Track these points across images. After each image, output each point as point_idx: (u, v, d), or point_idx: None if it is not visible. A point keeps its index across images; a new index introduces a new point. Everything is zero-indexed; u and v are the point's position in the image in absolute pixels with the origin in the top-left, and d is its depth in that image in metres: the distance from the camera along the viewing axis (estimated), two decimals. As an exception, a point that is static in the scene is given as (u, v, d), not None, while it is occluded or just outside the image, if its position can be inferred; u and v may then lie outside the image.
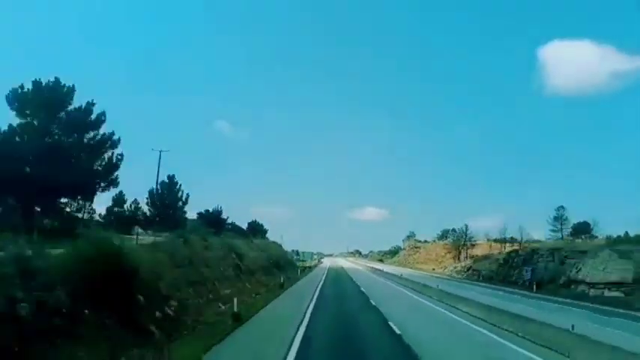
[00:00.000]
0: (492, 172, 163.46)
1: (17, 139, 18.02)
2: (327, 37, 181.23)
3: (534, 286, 35.52)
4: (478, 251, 72.00)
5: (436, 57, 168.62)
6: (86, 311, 10.90)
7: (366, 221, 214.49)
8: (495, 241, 70.84)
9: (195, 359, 10.11)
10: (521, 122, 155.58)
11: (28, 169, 17.33)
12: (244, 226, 64.47)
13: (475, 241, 77.75)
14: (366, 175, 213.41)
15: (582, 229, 64.02)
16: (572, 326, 12.75)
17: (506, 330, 14.17)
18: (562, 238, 61.50)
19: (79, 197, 20.45)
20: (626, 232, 51.21)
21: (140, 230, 35.27)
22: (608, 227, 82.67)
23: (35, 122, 18.48)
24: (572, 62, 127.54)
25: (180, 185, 35.45)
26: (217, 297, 22.48)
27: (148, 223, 35.12)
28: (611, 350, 9.99)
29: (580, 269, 31.99)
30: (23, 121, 18.54)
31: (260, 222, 73.10)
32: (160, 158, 36.11)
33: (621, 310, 22.85)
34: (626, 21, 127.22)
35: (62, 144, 18.59)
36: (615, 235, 49.75)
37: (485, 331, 14.28)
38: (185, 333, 13.67)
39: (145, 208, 36.48)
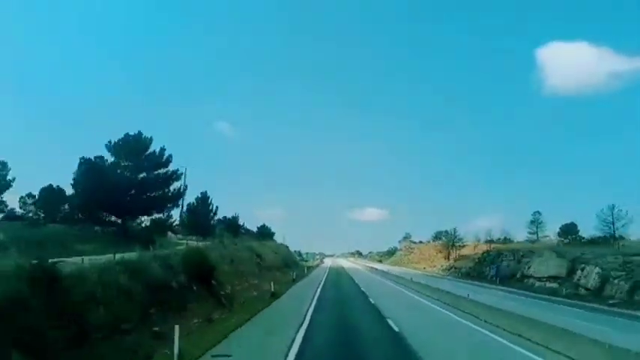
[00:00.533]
0: (493, 172, 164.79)
1: (118, 172, 26.38)
2: (327, 37, 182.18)
3: (497, 280, 43.81)
4: (466, 251, 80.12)
5: (436, 58, 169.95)
6: (194, 287, 19.27)
7: (366, 222, 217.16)
8: (481, 242, 79.04)
9: (257, 312, 18.38)
10: (519, 123, 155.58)
11: (128, 197, 25.62)
12: (253, 229, 73.04)
13: (465, 242, 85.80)
14: (367, 176, 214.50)
15: (569, 230, 71.26)
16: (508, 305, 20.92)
17: (462, 311, 19.51)
18: (538, 239, 69.60)
19: (156, 213, 28.87)
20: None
21: (173, 235, 43.78)
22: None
23: (128, 163, 26.78)
24: (570, 63, 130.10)
25: (212, 199, 43.71)
26: (250, 286, 30.79)
27: (183, 228, 43.50)
28: (508, 314, 16.72)
29: (530, 266, 40.28)
30: (121, 162, 26.83)
31: (268, 226, 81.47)
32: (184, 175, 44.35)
33: (545, 296, 31.10)
34: (622, 23, 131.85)
35: (149, 178, 26.87)
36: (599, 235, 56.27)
37: (444, 311, 20.33)
38: (243, 302, 21.90)
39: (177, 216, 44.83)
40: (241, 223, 58.05)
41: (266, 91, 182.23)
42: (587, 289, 31.15)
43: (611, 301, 27.30)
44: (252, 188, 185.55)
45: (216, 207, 43.92)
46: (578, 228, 68.03)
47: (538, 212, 73.44)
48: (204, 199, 41.96)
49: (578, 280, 32.85)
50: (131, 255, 16.55)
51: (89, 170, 24.56)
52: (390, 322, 15.66)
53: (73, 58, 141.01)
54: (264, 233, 74.84)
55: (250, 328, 14.61)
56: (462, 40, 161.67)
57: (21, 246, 15.68)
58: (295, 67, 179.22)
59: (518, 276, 42.40)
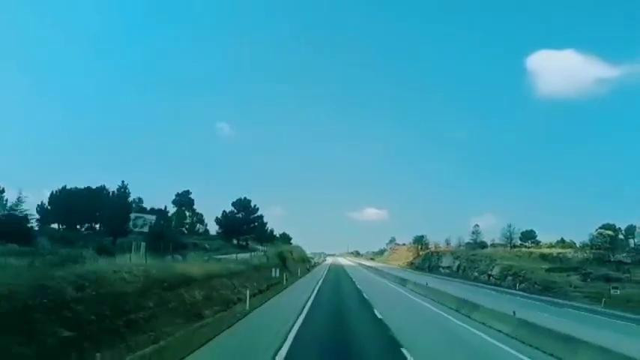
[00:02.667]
0: (488, 174, 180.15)
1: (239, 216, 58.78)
2: (327, 41, 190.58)
3: (428, 269, 75.64)
4: (425, 251, 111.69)
5: (434, 65, 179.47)
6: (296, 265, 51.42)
7: (365, 222, 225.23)
8: (443, 245, 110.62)
9: (307, 273, 50.26)
10: (512, 127, 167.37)
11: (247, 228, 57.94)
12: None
13: (430, 245, 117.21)
14: (366, 177, 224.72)
15: (529, 235, 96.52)
16: (427, 282, 52.88)
17: (400, 284, 53.55)
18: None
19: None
20: (562, 239, 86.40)
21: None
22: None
23: (241, 215, 58.81)
24: (558, 70, 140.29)
25: (255, 205, 74.52)
26: (290, 271, 62.74)
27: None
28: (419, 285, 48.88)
29: (442, 261, 72.23)
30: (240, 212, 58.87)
31: (287, 233, 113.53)
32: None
33: (442, 276, 62.95)
34: (606, 32, 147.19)
35: (239, 219, 59.05)
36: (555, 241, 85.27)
37: (386, 282, 53.65)
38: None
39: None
40: (271, 230, 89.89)
41: (265, 94, 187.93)
42: (456, 271, 63.08)
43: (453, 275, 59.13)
44: (252, 188, 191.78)
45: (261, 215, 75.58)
46: (536, 233, 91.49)
47: (477, 225, 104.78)
48: (245, 204, 73.20)
49: (453, 267, 64.79)
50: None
51: (226, 218, 56.31)
52: (358, 285, 46.54)
53: (72, 59, 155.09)
54: (286, 238, 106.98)
55: (305, 278, 46.40)
56: (458, 48, 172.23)
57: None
58: (294, 70, 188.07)
59: (437, 266, 74.34)
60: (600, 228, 67.99)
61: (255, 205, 66.01)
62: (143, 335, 13.14)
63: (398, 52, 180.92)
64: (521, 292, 39.22)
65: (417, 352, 11.58)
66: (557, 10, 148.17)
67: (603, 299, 31.60)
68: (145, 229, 38.88)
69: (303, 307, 21.58)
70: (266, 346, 11.64)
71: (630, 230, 77.27)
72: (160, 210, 56.20)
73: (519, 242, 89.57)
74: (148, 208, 56.06)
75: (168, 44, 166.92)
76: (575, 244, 71.38)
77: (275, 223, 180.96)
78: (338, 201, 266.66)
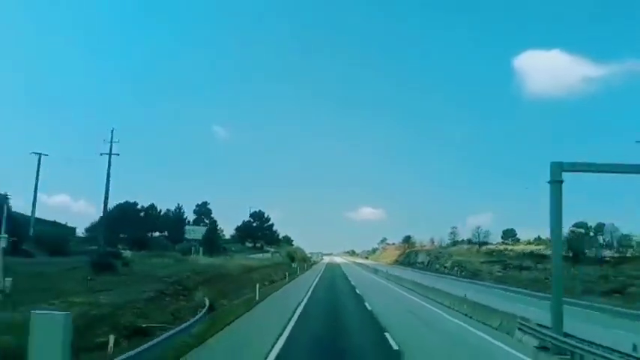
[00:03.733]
0: (482, 174, 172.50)
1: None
2: (322, 41, 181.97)
3: (408, 265, 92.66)
4: (411, 249, 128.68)
5: (426, 64, 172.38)
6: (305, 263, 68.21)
7: (362, 221, 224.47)
8: (427, 244, 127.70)
9: (310, 268, 67.04)
10: (503, 127, 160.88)
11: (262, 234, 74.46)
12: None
13: (419, 244, 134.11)
14: (362, 176, 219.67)
15: (510, 233, 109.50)
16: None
17: (383, 277, 70.37)
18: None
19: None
20: (539, 236, 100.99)
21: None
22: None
23: (256, 224, 75.11)
24: (545, 70, 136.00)
25: (268, 215, 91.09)
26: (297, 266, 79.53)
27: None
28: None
29: (418, 258, 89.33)
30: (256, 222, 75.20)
31: (289, 236, 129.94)
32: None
33: (417, 270, 79.98)
34: (590, 32, 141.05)
35: (255, 227, 75.37)
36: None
37: (374, 276, 70.40)
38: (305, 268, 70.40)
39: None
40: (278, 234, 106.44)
41: (262, 95, 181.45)
42: (426, 265, 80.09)
43: (424, 268, 76.05)
44: (249, 190, 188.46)
45: (273, 225, 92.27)
46: (516, 232, 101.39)
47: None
48: (260, 216, 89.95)
49: (425, 263, 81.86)
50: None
51: (245, 226, 72.56)
52: (347, 275, 63.36)
53: (69, 60, 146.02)
54: (288, 241, 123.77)
55: (309, 271, 63.18)
56: (452, 48, 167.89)
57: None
58: (292, 70, 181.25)
59: (414, 262, 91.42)
60: (573, 226, 77.79)
61: (267, 215, 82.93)
62: (245, 291, 29.77)
63: (394, 52, 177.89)
64: (455, 277, 56.36)
65: (374, 305, 26.88)
66: (538, 11, 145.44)
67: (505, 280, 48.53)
68: (198, 237, 56.83)
69: (312, 283, 38.31)
70: (299, 298, 27.72)
71: (599, 228, 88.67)
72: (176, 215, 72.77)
73: (501, 240, 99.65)
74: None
75: (168, 45, 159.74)
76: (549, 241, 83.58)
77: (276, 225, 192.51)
78: (335, 201, 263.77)
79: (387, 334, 14.40)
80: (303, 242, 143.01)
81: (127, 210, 72.08)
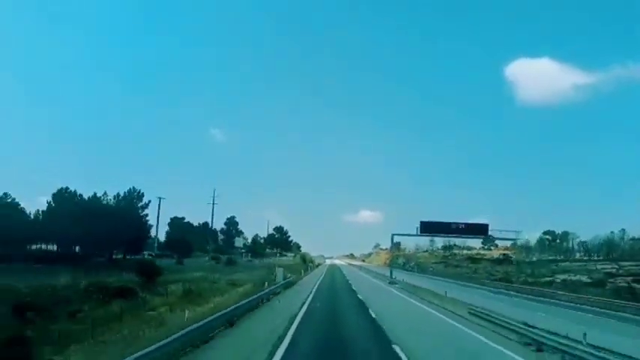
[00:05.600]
0: (476, 177, 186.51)
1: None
2: (320, 46, 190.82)
3: (390, 266, 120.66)
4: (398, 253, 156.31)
5: (423, 71, 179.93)
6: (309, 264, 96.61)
7: (361, 224, 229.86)
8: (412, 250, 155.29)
9: (317, 267, 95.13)
10: (497, 133, 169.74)
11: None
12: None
13: (404, 249, 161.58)
14: (361, 179, 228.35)
15: (489, 240, 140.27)
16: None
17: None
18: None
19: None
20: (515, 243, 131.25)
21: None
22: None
23: (277, 235, 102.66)
24: (535, 78, 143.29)
25: (288, 231, 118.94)
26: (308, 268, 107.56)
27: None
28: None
29: (399, 260, 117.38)
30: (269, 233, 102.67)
31: (296, 241, 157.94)
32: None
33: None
34: (579, 40, 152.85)
35: (276, 239, 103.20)
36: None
37: (357, 270, 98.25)
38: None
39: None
40: (291, 240, 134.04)
41: (259, 97, 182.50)
42: (402, 265, 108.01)
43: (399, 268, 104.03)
44: (248, 193, 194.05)
45: (292, 239, 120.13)
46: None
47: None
48: (281, 231, 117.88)
49: (401, 264, 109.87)
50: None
51: (270, 237, 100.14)
52: (344, 273, 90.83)
53: (68, 61, 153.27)
54: (297, 246, 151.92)
55: (316, 269, 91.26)
56: (441, 57, 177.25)
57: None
58: (289, 72, 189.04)
59: (396, 264, 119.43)
60: (543, 233, 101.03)
61: (286, 229, 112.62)
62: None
63: (393, 59, 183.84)
64: (411, 271, 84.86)
65: (352, 281, 55.06)
66: (527, 20, 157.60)
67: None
68: (240, 245, 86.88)
69: (320, 276, 66.36)
70: (314, 282, 54.80)
71: (564, 236, 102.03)
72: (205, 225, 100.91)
73: (481, 245, 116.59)
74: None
75: (166, 46, 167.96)
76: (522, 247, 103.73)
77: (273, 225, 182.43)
78: (335, 205, 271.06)
79: (354, 288, 41.98)
80: (305, 246, 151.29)
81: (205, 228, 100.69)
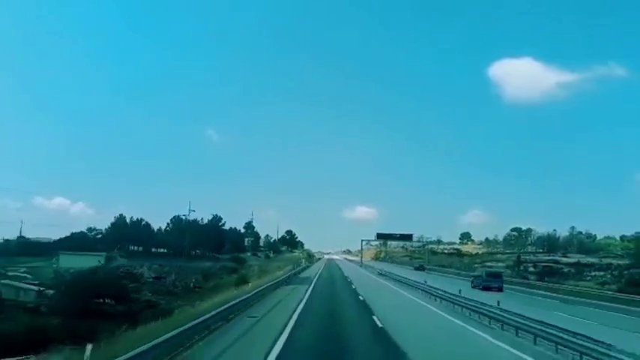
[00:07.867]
0: (468, 175, 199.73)
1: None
2: (317, 51, 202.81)
3: (376, 260, 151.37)
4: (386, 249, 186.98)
5: (413, 74, 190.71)
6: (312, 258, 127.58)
7: (357, 220, 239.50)
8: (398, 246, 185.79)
9: (317, 261, 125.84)
10: (483, 131, 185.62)
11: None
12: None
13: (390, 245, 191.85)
14: (356, 176, 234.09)
15: (466, 236, 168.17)
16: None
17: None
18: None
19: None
20: (487, 238, 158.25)
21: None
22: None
23: (287, 237, 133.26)
24: (519, 76, 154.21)
25: (296, 234, 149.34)
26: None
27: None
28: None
29: (382, 255, 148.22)
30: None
31: (301, 240, 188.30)
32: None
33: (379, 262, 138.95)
34: (560, 40, 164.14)
35: (287, 238, 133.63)
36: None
37: (348, 262, 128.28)
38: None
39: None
40: (298, 240, 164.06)
41: (256, 101, 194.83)
42: (383, 258, 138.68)
43: (383, 262, 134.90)
44: (246, 193, 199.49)
45: (300, 241, 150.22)
46: (471, 235, 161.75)
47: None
48: (291, 235, 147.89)
49: (385, 258, 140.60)
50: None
51: (281, 239, 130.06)
52: (339, 265, 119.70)
53: (67, 61, 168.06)
54: (301, 244, 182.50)
55: (318, 262, 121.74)
56: (429, 58, 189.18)
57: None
58: (286, 74, 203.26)
59: (379, 257, 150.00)
60: (511, 230, 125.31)
61: (294, 232, 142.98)
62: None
63: (383, 62, 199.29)
64: (388, 263, 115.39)
65: (343, 268, 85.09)
66: (508, 20, 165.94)
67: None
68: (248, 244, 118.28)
69: (321, 266, 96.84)
70: (317, 270, 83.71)
71: (528, 232, 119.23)
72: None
73: (459, 240, 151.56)
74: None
75: (167, 47, 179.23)
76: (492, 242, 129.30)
77: (274, 226, 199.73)
78: (332, 201, 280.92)
79: (340, 267, 73.67)
80: (305, 243, 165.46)
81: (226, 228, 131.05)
